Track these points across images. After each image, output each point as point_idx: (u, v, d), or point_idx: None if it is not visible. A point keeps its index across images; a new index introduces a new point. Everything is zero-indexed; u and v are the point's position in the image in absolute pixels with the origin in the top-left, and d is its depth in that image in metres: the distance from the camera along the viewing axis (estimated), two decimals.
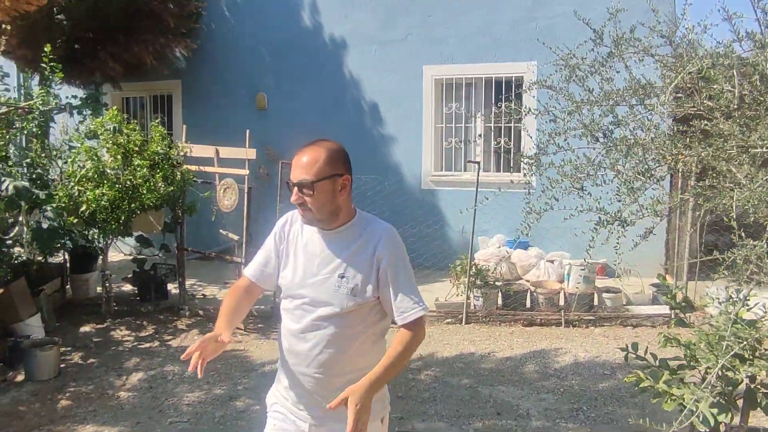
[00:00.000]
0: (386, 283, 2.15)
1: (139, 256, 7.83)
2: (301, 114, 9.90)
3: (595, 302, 7.26)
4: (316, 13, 9.89)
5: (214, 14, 10.38)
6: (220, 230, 7.55)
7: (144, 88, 10.77)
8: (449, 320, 7.25)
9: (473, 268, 7.30)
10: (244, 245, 6.98)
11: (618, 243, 2.54)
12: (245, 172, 7.02)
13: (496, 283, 7.56)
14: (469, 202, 8.36)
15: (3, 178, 6.45)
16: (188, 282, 8.01)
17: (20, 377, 5.75)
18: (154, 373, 5.82)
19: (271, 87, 10.13)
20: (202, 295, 8.13)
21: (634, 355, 3.06)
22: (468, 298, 7.23)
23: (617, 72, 2.76)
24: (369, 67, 9.65)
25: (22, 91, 9.74)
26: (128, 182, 6.81)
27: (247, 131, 7.32)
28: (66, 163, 7.36)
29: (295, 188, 2.11)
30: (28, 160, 7.33)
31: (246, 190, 6.95)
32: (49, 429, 4.80)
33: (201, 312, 7.45)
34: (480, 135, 9.26)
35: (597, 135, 2.69)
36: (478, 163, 7.71)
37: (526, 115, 3.03)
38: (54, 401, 5.27)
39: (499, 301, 7.41)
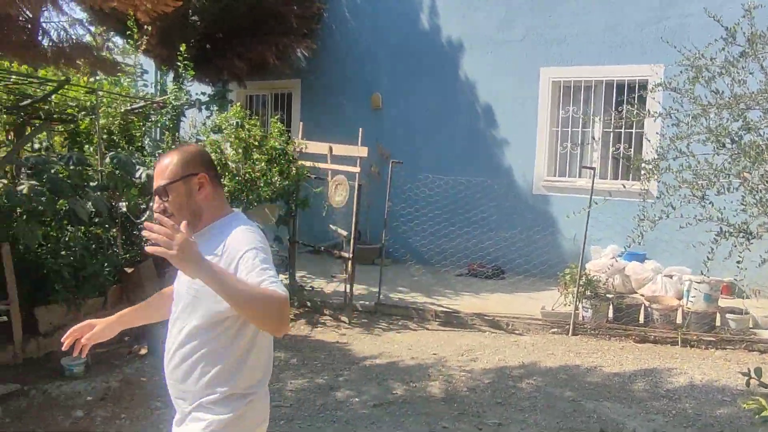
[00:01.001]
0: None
1: None
2: (415, 115, 9.98)
3: (717, 323, 6.77)
4: (434, 14, 9.93)
5: (334, 15, 10.69)
6: (330, 225, 7.76)
7: (266, 86, 11.27)
8: (555, 330, 7.04)
9: (583, 278, 7.05)
10: (352, 241, 7.13)
11: (741, 257, 2.35)
12: (356, 169, 7.17)
13: (608, 295, 7.25)
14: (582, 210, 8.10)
15: (138, 167, 6.96)
16: (298, 274, 8.30)
17: (143, 351, 6.20)
18: None
19: (387, 87, 10.28)
20: (311, 287, 8.39)
21: (757, 382, 2.83)
22: (576, 308, 6.99)
23: (750, 73, 2.56)
24: (484, 69, 9.56)
25: (158, 87, 10.52)
26: (247, 175, 7.17)
27: (361, 129, 7.48)
28: None
29: (156, 197, 2.05)
30: (160, 151, 7.88)
31: (356, 188, 7.09)
32: (162, 400, 5.13)
33: (309, 303, 7.71)
34: (597, 140, 8.92)
35: (724, 140, 2.51)
36: (594, 169, 7.42)
37: (648, 116, 2.88)
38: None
39: (610, 314, 7.10)
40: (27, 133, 7.08)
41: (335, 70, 10.68)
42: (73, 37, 5.24)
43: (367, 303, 7.66)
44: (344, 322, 7.20)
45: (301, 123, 8.04)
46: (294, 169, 7.51)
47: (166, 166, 2.04)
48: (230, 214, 2.10)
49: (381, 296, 7.63)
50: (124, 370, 5.72)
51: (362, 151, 7.24)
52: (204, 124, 8.34)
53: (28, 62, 5.79)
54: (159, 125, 8.33)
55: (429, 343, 6.68)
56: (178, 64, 8.17)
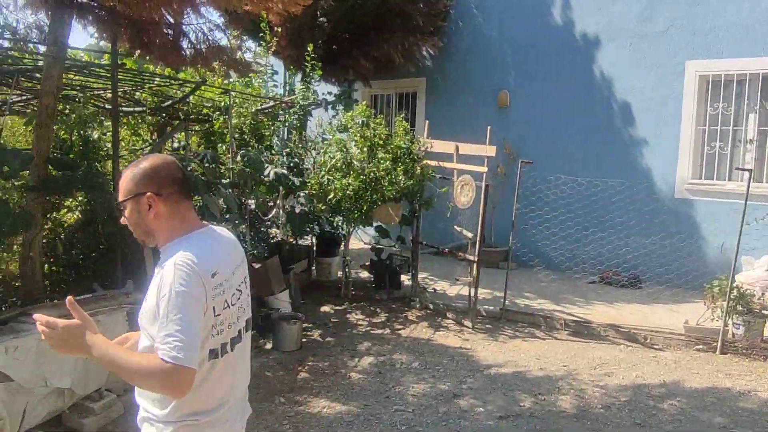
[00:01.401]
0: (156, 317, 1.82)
1: (377, 246, 8.16)
2: (544, 113, 9.54)
3: None
4: (567, 8, 9.44)
5: (461, 12, 10.46)
6: (455, 227, 7.54)
7: (391, 85, 11.24)
8: (700, 347, 6.40)
9: (734, 291, 6.35)
10: (477, 243, 6.87)
11: None
12: (484, 169, 6.91)
13: (763, 311, 6.49)
14: (731, 216, 7.34)
15: (266, 165, 7.12)
16: (420, 275, 8.16)
17: (269, 345, 6.30)
18: (384, 360, 5.98)
19: (514, 85, 9.91)
20: (433, 289, 8.22)
21: None
22: (726, 324, 6.31)
23: None
24: (622, 64, 8.94)
25: (286, 88, 10.79)
26: (372, 174, 7.11)
27: (489, 128, 7.21)
28: (319, 153, 7.92)
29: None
30: (288, 150, 8.04)
31: (483, 188, 6.83)
32: (289, 397, 5.16)
33: (431, 305, 7.54)
34: (751, 140, 8.06)
35: None
36: (750, 170, 6.68)
37: None
38: (294, 372, 5.68)
39: (766, 333, 6.35)
40: (167, 132, 7.44)
41: (461, 67, 10.45)
42: (210, 39, 5.39)
43: (491, 308, 7.37)
44: (467, 327, 6.96)
45: (427, 122, 7.89)
46: (419, 168, 7.38)
47: (122, 181, 1.97)
48: (182, 237, 1.95)
49: (506, 302, 7.30)
50: (251, 363, 5.81)
51: (490, 150, 6.97)
52: (330, 123, 8.41)
53: (171, 65, 6.05)
54: (287, 125, 8.50)
55: (558, 353, 6.29)
56: (306, 64, 8.29)
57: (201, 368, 1.85)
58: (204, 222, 2.05)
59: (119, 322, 4.97)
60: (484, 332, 6.87)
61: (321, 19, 10.00)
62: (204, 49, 5.21)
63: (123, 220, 2.00)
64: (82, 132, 6.87)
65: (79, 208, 6.07)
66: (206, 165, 6.53)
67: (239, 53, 7.22)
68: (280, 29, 8.74)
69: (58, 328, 1.79)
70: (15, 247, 5.88)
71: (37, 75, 7.10)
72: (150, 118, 8.51)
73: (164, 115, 8.60)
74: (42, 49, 6.93)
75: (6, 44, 7.13)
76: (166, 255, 1.90)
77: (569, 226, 8.61)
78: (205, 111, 7.90)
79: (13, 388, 4.26)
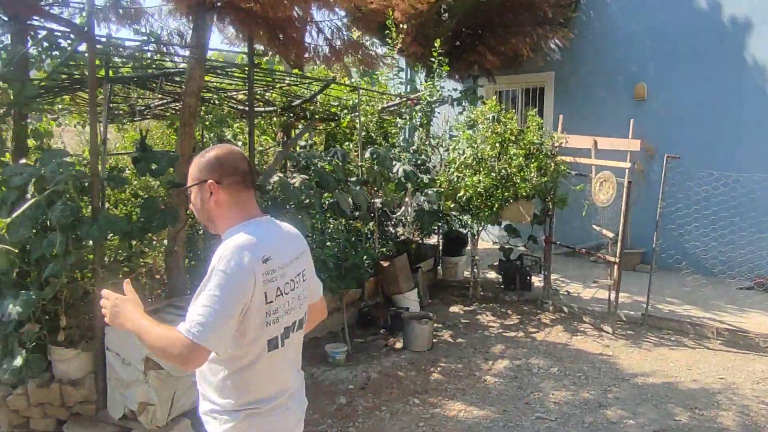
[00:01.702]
0: None
1: (506, 245, 7.86)
2: (686, 105, 8.82)
3: None
4: None
5: (592, 1, 9.91)
6: (593, 226, 7.10)
7: (517, 81, 10.87)
8: None
9: None
10: (619, 244, 6.41)
11: None
12: (626, 164, 6.43)
13: None
14: None
15: (395, 162, 7.04)
16: (552, 276, 7.77)
17: (398, 344, 6.19)
18: (519, 364, 5.69)
19: (652, 76, 9.25)
20: (566, 291, 7.80)
21: None
22: None
23: None
24: None
25: (410, 85, 10.69)
26: (503, 171, 6.84)
27: (632, 121, 6.74)
28: (447, 150, 7.75)
29: None
30: (414, 147, 7.92)
31: (626, 185, 6.36)
32: (423, 398, 5.01)
33: (565, 309, 7.14)
34: None
35: None
36: None
37: None
38: (427, 372, 5.52)
39: None
40: (299, 129, 7.55)
41: (592, 59, 9.90)
42: (345, 35, 5.36)
43: (631, 313, 6.86)
44: (607, 333, 6.52)
45: (561, 116, 7.49)
46: (552, 164, 7.01)
47: (190, 169, 2.06)
48: (240, 224, 1.99)
49: (649, 306, 6.77)
50: (382, 363, 5.73)
51: (633, 145, 6.49)
52: (456, 119, 8.22)
53: (306, 62, 6.09)
54: (412, 122, 8.40)
55: (712, 364, 5.72)
56: (432, 60, 8.15)
57: (259, 359, 1.92)
58: (265, 213, 2.08)
59: None
60: (626, 338, 6.40)
61: (445, 15, 9.83)
62: (338, 45, 5.18)
63: (190, 207, 2.08)
64: (217, 132, 7.12)
65: None
66: (336, 162, 6.55)
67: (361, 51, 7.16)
68: (405, 26, 8.67)
69: (111, 299, 1.97)
70: (155, 242, 6.16)
71: (177, 78, 7.46)
72: (277, 118, 8.71)
73: (291, 114, 8.77)
74: (182, 53, 7.27)
75: (146, 51, 7.55)
76: (224, 240, 1.94)
77: (722, 227, 7.88)
78: (333, 110, 7.94)
79: (162, 376, 4.40)
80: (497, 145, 6.95)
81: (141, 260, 5.75)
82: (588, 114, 9.45)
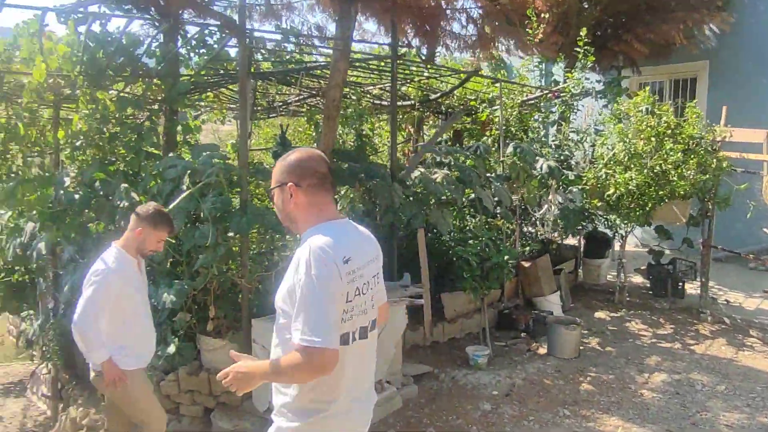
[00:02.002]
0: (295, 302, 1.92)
1: (656, 248, 7.27)
2: None
3: None
4: None
5: None
6: (764, 228, 6.38)
7: (664, 71, 10.08)
8: None
9: None
10: None
11: None
12: None
13: None
14: None
15: (538, 158, 6.70)
16: (709, 283, 7.09)
17: (542, 350, 5.87)
18: (680, 378, 5.20)
19: None
20: (725, 300, 7.09)
21: None
22: None
23: None
24: None
25: (549, 78, 10.22)
26: (657, 167, 6.30)
27: None
28: (592, 145, 7.29)
29: None
30: (556, 142, 7.52)
31: None
32: (573, 410, 4.68)
33: (726, 320, 6.48)
34: None
35: None
36: None
37: None
38: (576, 382, 5.17)
39: None
40: (433, 124, 7.38)
41: (754, 45, 8.97)
42: (495, 21, 5.10)
43: None
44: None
45: (725, 108, 6.78)
46: (714, 161, 6.37)
47: (273, 171, 2.12)
48: (319, 225, 2.02)
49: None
50: (526, 368, 5.44)
51: None
52: (601, 113, 7.71)
53: (454, 49, 5.90)
54: (554, 115, 7.99)
55: None
56: (577, 50, 7.68)
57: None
58: (344, 216, 2.11)
59: (399, 315, 4.93)
60: None
61: (585, 4, 9.28)
62: (488, 31, 4.92)
63: (273, 206, 2.18)
64: (356, 126, 7.10)
65: (357, 200, 6.21)
66: (477, 158, 6.31)
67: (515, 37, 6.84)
68: (546, 15, 8.25)
69: (230, 373, 2.05)
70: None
71: (317, 72, 7.54)
72: (410, 113, 8.61)
73: (424, 109, 8.63)
74: (322, 47, 7.32)
75: (286, 48, 7.67)
76: (303, 240, 2.00)
77: None
78: (471, 103, 7.70)
79: None
80: (651, 139, 6.41)
81: (284, 254, 5.81)
82: (748, 106, 8.56)
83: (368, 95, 8.05)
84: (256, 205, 4.97)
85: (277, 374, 1.94)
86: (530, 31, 7.95)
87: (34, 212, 5.24)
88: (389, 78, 7.95)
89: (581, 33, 7.64)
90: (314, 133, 8.98)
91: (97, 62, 4.94)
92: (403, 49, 6.74)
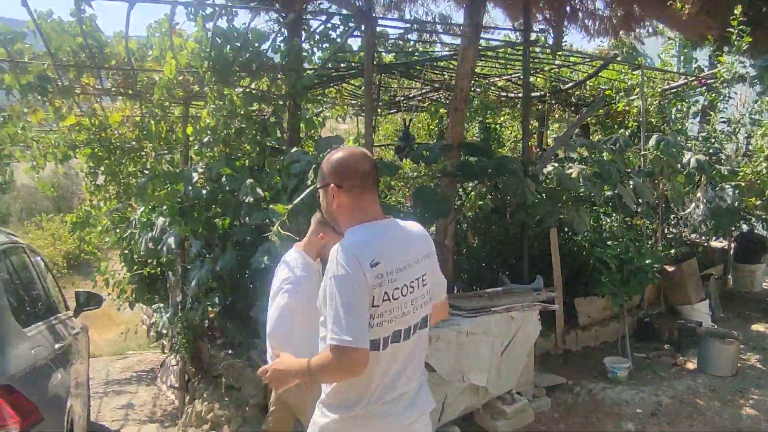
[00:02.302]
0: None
1: None
2: None
3: None
4: None
5: None
6: None
7: None
8: None
9: None
10: None
11: None
12: None
13: None
14: None
15: (684, 152, 6.04)
16: None
17: (690, 365, 5.27)
18: None
19: None
20: None
21: None
22: None
23: None
24: None
25: (682, 66, 9.34)
26: None
27: None
28: (748, 137, 6.50)
29: None
30: (703, 134, 6.78)
31: None
32: None
33: None
34: None
35: None
36: None
37: None
38: (735, 405, 4.56)
39: None
40: (579, 115, 6.87)
41: None
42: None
43: None
44: None
45: None
46: None
47: (319, 170, 2.09)
48: (358, 226, 1.98)
49: None
50: (674, 385, 4.87)
51: None
52: (757, 101, 6.87)
53: (594, 33, 5.41)
54: (699, 105, 7.23)
55: None
56: (730, 31, 6.88)
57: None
58: (387, 215, 2.05)
59: (532, 321, 4.55)
60: None
61: None
62: (636, 10, 4.43)
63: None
64: (483, 119, 6.76)
65: (488, 196, 5.87)
66: (616, 151, 5.77)
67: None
68: None
69: (268, 371, 2.09)
70: None
71: (441, 64, 7.26)
72: (536, 105, 8.12)
73: (554, 101, 8.12)
74: (447, 38, 7.04)
75: (409, 39, 7.45)
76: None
77: None
78: (607, 93, 7.12)
79: (435, 379, 4.13)
80: None
81: None
82: None
83: (493, 87, 7.67)
84: (382, 201, 4.76)
85: (311, 373, 1.93)
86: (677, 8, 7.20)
87: (165, 207, 5.35)
88: (515, 68, 7.56)
89: (735, 11, 6.83)
90: (436, 128, 8.74)
91: (223, 57, 4.94)
92: (535, 35, 6.30)
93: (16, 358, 2.62)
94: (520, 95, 7.71)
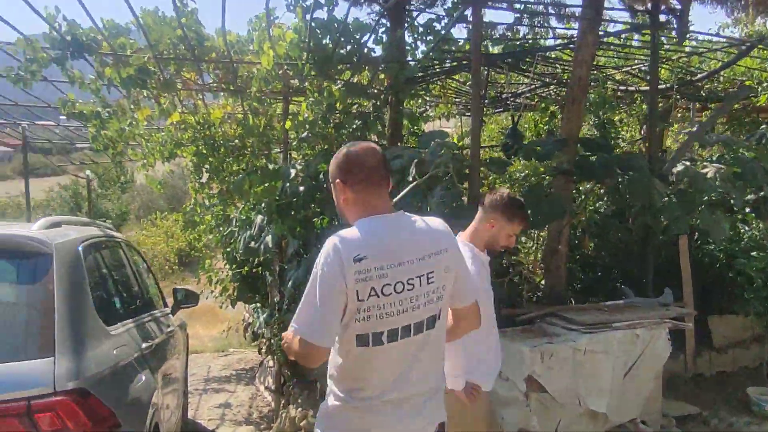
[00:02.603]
0: None
1: None
2: None
3: None
4: None
5: None
6: None
7: None
8: None
9: None
10: None
11: None
12: None
13: None
14: None
15: None
16: None
17: None
18: None
19: None
20: None
21: None
22: None
23: None
24: None
25: None
26: None
27: None
28: None
29: None
30: None
31: None
32: None
33: None
34: None
35: None
36: None
37: None
38: None
39: None
40: (715, 108, 6.14)
41: None
42: None
43: None
44: None
45: None
46: None
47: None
48: (356, 221, 1.96)
49: None
50: None
51: None
52: None
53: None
54: None
55: None
56: None
57: (349, 352, 1.90)
58: (394, 209, 2.01)
59: (661, 340, 3.97)
60: None
61: None
62: None
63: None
64: (599, 115, 6.18)
65: (606, 198, 5.31)
66: (762, 148, 5.05)
67: None
68: None
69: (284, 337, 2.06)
70: (535, 237, 5.50)
71: (552, 55, 6.74)
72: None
73: (675, 96, 7.34)
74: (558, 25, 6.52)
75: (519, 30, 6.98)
76: None
77: None
78: (747, 83, 6.32)
79: (547, 401, 3.68)
80: None
81: (515, 258, 5.13)
82: None
83: (610, 79, 7.04)
84: None
85: (287, 346, 1.98)
86: None
87: (263, 205, 5.22)
88: (636, 59, 6.90)
89: None
90: (544, 127, 8.20)
91: (323, 49, 4.73)
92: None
93: (94, 360, 2.45)
94: (641, 89, 7.03)
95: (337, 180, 2.00)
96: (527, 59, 6.39)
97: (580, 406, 3.74)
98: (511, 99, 8.25)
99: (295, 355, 1.93)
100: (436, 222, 2.03)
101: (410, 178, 4.03)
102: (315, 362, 1.91)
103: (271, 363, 6.33)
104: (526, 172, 5.47)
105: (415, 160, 4.10)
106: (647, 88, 6.83)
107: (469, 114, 9.16)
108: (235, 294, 7.15)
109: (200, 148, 6.47)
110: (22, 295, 2.49)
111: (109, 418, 2.36)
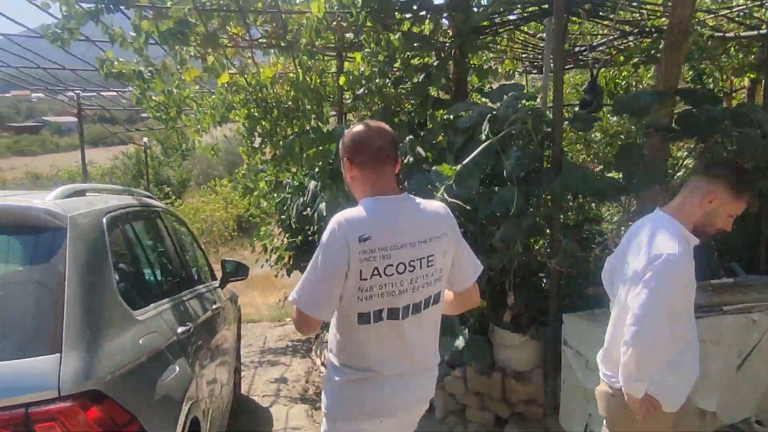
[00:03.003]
0: None
1: None
2: None
3: None
4: None
5: None
6: None
7: None
8: None
9: None
10: None
11: None
12: None
13: None
14: None
15: None
16: None
17: None
18: None
19: None
20: None
21: None
22: None
23: None
24: None
25: None
26: None
27: None
28: None
29: None
30: None
31: None
32: None
33: None
34: None
35: None
36: None
37: None
38: None
39: None
40: None
41: None
42: None
43: None
44: None
45: None
46: None
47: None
48: (362, 200, 1.97)
49: None
50: None
51: None
52: None
53: None
54: None
55: None
56: None
57: (350, 329, 1.96)
58: (401, 191, 2.02)
59: None
60: None
61: None
62: None
63: None
64: (696, 66, 5.44)
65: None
66: None
67: None
68: None
69: None
70: (615, 207, 4.86)
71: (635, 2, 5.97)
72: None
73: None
74: None
75: None
76: None
77: None
78: None
79: None
80: None
81: (598, 227, 4.53)
82: None
83: (706, 26, 6.21)
84: (572, 162, 3.78)
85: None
86: None
87: (317, 170, 4.79)
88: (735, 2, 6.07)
89: None
90: (623, 83, 7.44)
91: None
92: None
93: (112, 354, 2.06)
94: (742, 34, 6.18)
95: (345, 158, 2.04)
96: (608, 4, 5.67)
97: (687, 404, 3.18)
98: (585, 53, 7.50)
99: (295, 321, 2.01)
100: (435, 205, 2.07)
101: (482, 136, 3.49)
102: (308, 331, 2.07)
103: (326, 337, 6.00)
104: (603, 134, 4.83)
105: (488, 116, 3.55)
106: (747, 33, 6.00)
107: (535, 72, 8.45)
108: (291, 263, 6.85)
109: (252, 110, 6.10)
110: (27, 279, 2.09)
111: (129, 424, 1.98)
